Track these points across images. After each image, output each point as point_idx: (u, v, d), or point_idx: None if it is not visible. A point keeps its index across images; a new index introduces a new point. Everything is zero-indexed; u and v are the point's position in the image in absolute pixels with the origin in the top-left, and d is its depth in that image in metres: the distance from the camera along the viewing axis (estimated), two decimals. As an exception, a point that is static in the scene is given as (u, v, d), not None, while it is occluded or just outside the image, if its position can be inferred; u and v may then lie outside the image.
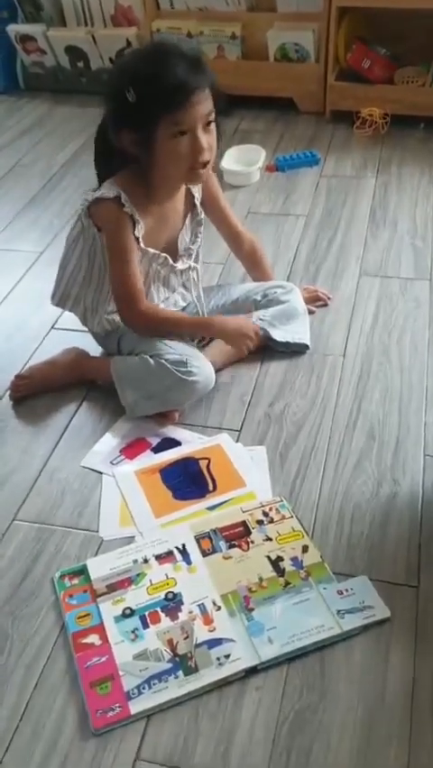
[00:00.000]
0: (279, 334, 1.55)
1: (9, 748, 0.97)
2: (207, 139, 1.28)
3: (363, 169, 2.27)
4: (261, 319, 1.54)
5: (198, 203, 1.47)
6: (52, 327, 1.71)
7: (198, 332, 1.49)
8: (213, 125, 1.28)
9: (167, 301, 1.51)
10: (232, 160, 2.27)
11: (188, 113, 1.23)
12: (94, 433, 1.43)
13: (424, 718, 0.98)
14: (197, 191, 1.47)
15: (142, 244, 1.36)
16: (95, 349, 1.57)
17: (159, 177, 1.33)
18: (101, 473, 1.35)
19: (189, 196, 1.46)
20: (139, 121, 1.24)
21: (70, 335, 1.64)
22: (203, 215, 1.49)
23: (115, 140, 1.29)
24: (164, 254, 1.41)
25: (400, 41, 2.42)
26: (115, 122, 1.28)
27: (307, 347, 1.58)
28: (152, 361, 1.38)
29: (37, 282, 1.86)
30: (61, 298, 1.50)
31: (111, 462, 1.36)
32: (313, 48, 2.47)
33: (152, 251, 1.39)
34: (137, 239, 1.35)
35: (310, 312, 1.66)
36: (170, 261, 1.43)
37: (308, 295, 1.69)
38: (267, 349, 1.58)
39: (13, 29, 2.79)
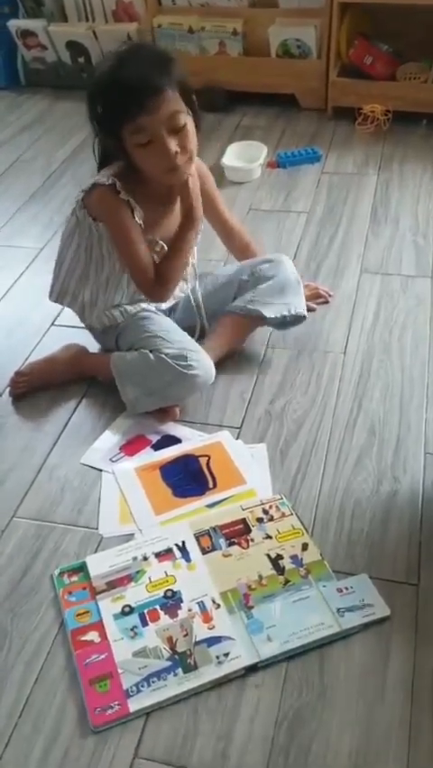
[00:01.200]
0: (271, 310, 1.50)
1: (8, 745, 0.97)
2: (178, 141, 1.25)
3: (364, 166, 2.26)
4: (250, 302, 1.50)
5: None
6: (52, 324, 1.70)
7: (190, 238, 1.39)
8: (187, 126, 1.25)
9: None
10: (233, 156, 2.26)
11: (145, 118, 1.21)
12: (94, 430, 1.42)
13: (423, 717, 0.98)
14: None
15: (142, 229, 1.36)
16: (94, 345, 1.57)
17: (146, 175, 1.34)
18: (101, 470, 1.34)
19: None
20: (109, 130, 1.26)
21: (70, 332, 1.64)
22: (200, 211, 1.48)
23: (102, 145, 1.32)
24: (162, 242, 1.40)
25: (402, 38, 2.41)
26: (94, 131, 1.30)
27: (303, 317, 1.54)
28: (151, 356, 1.37)
29: (37, 279, 1.85)
30: (59, 295, 1.50)
31: (111, 460, 1.36)
32: (315, 44, 2.46)
33: (150, 237, 1.38)
34: (138, 224, 1.35)
35: (311, 309, 1.65)
36: (166, 249, 1.42)
37: (309, 292, 1.68)
38: (267, 345, 1.57)
39: (14, 24, 2.78)
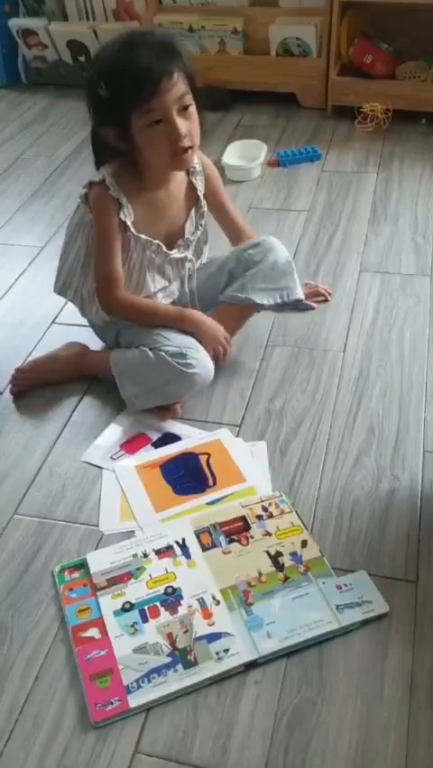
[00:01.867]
0: (263, 297, 1.47)
1: (9, 740, 0.98)
2: (186, 124, 1.27)
3: (364, 165, 2.26)
4: (240, 290, 1.47)
5: (201, 195, 1.47)
6: (53, 321, 1.71)
7: (171, 324, 1.43)
8: (192, 109, 1.27)
9: (164, 291, 1.50)
10: (233, 155, 2.26)
11: (158, 100, 1.22)
12: (94, 427, 1.43)
13: (422, 713, 0.99)
14: (199, 184, 1.47)
15: (132, 230, 1.36)
16: (95, 343, 1.58)
17: (146, 167, 1.34)
18: (101, 468, 1.35)
19: (192, 188, 1.46)
20: (115, 115, 1.25)
21: (71, 330, 1.64)
22: (205, 208, 1.49)
23: (101, 136, 1.31)
24: (157, 241, 1.40)
25: (402, 37, 2.41)
26: (96, 119, 1.30)
27: (299, 300, 1.52)
28: (151, 353, 1.38)
29: (38, 277, 1.86)
30: (62, 287, 1.51)
31: (111, 457, 1.36)
32: (315, 43, 2.46)
33: (144, 237, 1.38)
34: (124, 224, 1.35)
35: (310, 308, 1.66)
36: (164, 249, 1.42)
37: (308, 290, 1.69)
38: (267, 343, 1.58)
39: (15, 23, 2.79)
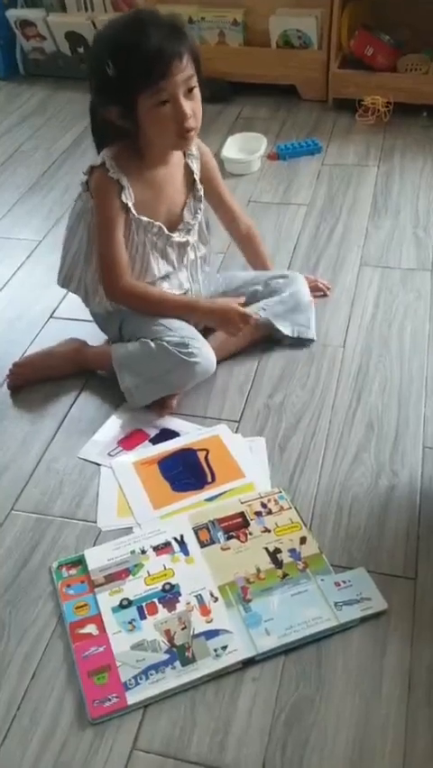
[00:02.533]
0: (283, 326, 1.53)
1: (7, 736, 0.98)
2: (191, 105, 1.27)
3: (365, 158, 2.25)
4: (263, 309, 1.53)
5: (197, 178, 1.46)
6: (51, 316, 1.70)
7: (181, 313, 1.44)
8: (196, 91, 1.28)
9: (170, 281, 1.49)
10: (233, 148, 2.25)
11: (167, 81, 1.22)
12: (92, 423, 1.42)
13: (420, 710, 0.98)
14: (195, 167, 1.46)
15: (133, 211, 1.36)
16: (93, 338, 1.57)
17: (148, 146, 1.34)
18: (99, 465, 1.34)
19: (189, 171, 1.46)
20: (121, 94, 1.25)
21: (69, 324, 1.64)
22: (202, 192, 1.48)
23: (103, 115, 1.31)
24: (158, 223, 1.40)
25: (403, 29, 2.39)
26: (100, 97, 1.30)
27: (312, 341, 1.57)
28: (152, 344, 1.37)
29: (36, 270, 1.85)
30: (65, 279, 1.50)
31: (109, 454, 1.36)
32: (316, 34, 2.44)
33: (145, 219, 1.38)
34: (125, 205, 1.35)
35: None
36: (165, 231, 1.41)
37: (308, 285, 1.68)
38: (267, 339, 1.57)
39: (13, 14, 2.76)
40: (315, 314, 1.60)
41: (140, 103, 1.25)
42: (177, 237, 1.44)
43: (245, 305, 1.52)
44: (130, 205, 1.35)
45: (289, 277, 1.59)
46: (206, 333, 1.51)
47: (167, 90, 1.23)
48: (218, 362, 1.46)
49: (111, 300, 1.44)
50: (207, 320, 1.46)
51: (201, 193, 1.48)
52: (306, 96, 2.57)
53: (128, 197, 1.35)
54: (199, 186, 1.47)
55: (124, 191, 1.34)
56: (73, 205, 1.45)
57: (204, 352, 1.39)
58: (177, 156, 1.43)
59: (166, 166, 1.40)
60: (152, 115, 1.26)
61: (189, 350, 1.36)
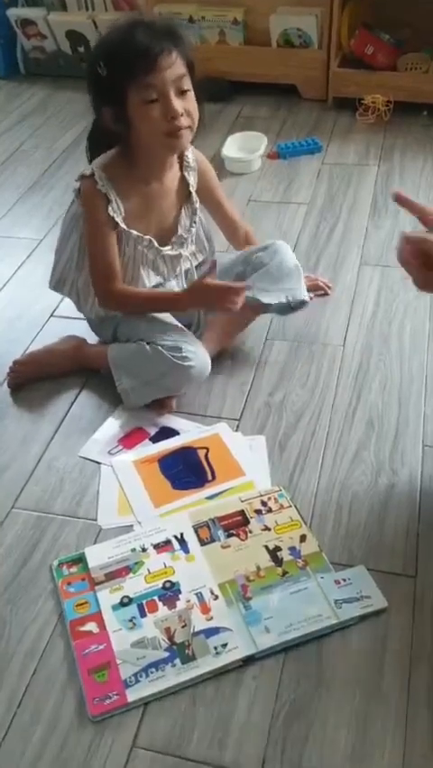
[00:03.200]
0: (269, 297, 1.46)
1: (7, 734, 0.98)
2: (183, 104, 1.26)
3: (365, 157, 2.25)
4: (248, 287, 1.44)
5: (193, 191, 1.46)
6: (52, 315, 1.70)
7: (171, 307, 1.42)
8: (190, 94, 1.27)
9: (163, 288, 1.49)
10: (233, 147, 2.25)
11: (155, 76, 1.22)
12: (93, 421, 1.43)
13: (420, 708, 0.99)
14: (192, 179, 1.45)
15: (122, 225, 1.35)
16: (93, 337, 1.57)
17: (140, 151, 1.33)
18: (99, 464, 1.34)
19: (184, 183, 1.45)
20: (112, 93, 1.25)
21: (70, 323, 1.64)
22: (198, 204, 1.48)
23: (99, 120, 1.31)
24: (148, 237, 1.39)
25: (403, 27, 2.39)
26: (95, 101, 1.30)
27: (305, 302, 1.50)
28: (148, 347, 1.37)
29: (37, 270, 1.85)
30: (57, 283, 1.50)
31: (109, 452, 1.36)
32: (316, 34, 2.44)
33: (134, 233, 1.37)
34: (112, 219, 1.34)
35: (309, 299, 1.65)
36: (155, 244, 1.41)
37: (308, 283, 1.68)
38: (267, 338, 1.57)
39: (14, 13, 2.77)
40: (313, 313, 1.60)
41: (129, 99, 1.24)
42: (168, 251, 1.43)
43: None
44: (118, 219, 1.34)
45: (269, 247, 1.52)
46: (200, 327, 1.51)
47: (156, 87, 1.23)
48: (219, 353, 1.46)
49: (103, 307, 1.44)
50: (197, 306, 1.42)
51: (197, 206, 1.47)
52: (306, 95, 2.57)
53: (115, 211, 1.34)
54: (195, 198, 1.46)
55: (111, 204, 1.33)
56: (67, 210, 1.45)
57: (198, 355, 1.38)
58: (173, 168, 1.41)
59: (160, 182, 1.39)
60: (141, 113, 1.25)
61: (183, 354, 1.36)
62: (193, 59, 1.27)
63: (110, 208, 1.33)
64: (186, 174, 1.44)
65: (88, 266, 1.40)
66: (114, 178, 1.33)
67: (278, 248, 1.52)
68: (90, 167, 1.35)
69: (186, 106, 1.26)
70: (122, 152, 1.34)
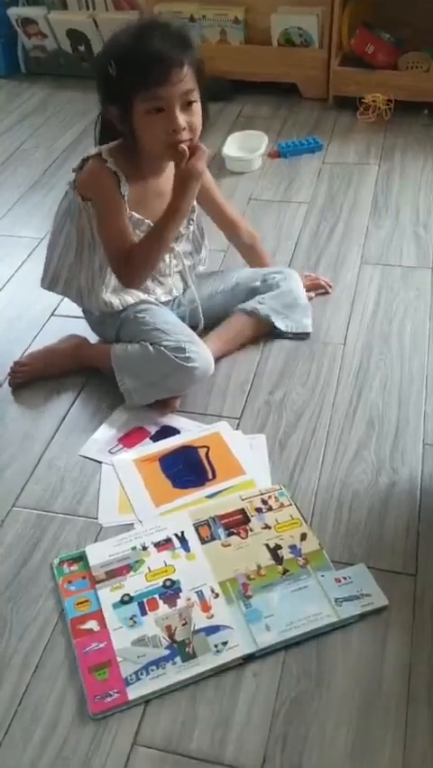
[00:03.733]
0: (281, 322, 1.55)
1: (8, 732, 0.98)
2: (187, 118, 1.26)
3: (365, 156, 2.25)
4: (260, 303, 1.53)
5: None
6: (52, 314, 1.70)
7: (174, 223, 1.35)
8: (196, 106, 1.27)
9: (163, 286, 1.50)
10: (234, 146, 2.25)
11: (163, 89, 1.22)
12: (93, 420, 1.43)
13: (420, 705, 0.99)
14: None
15: (126, 206, 1.35)
16: (94, 336, 1.57)
17: (143, 152, 1.33)
18: (100, 463, 1.35)
19: None
20: (119, 95, 1.25)
21: (70, 322, 1.64)
22: (195, 203, 1.47)
23: (104, 114, 1.32)
24: (148, 221, 1.39)
25: (404, 27, 2.39)
26: (102, 97, 1.30)
27: (308, 335, 1.58)
28: (151, 348, 1.38)
29: (37, 269, 1.81)
30: (51, 282, 1.49)
31: (109, 452, 1.36)
32: (317, 33, 2.44)
33: (136, 215, 1.37)
34: (123, 196, 1.34)
35: (310, 299, 1.66)
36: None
37: (309, 282, 1.69)
38: (267, 336, 1.57)
39: (14, 12, 2.77)
40: (315, 311, 1.61)
41: (135, 106, 1.25)
42: None
43: (243, 300, 1.55)
44: (126, 197, 1.34)
45: (284, 273, 1.60)
46: (205, 332, 1.51)
47: (163, 98, 1.23)
48: (220, 359, 1.47)
49: (129, 285, 1.41)
50: (186, 194, 1.33)
51: (193, 203, 1.47)
52: (307, 95, 2.57)
53: (125, 190, 1.34)
54: None
55: (121, 184, 1.33)
56: (58, 206, 1.44)
57: (202, 355, 1.39)
58: (170, 168, 1.41)
59: (157, 179, 1.39)
60: (144, 121, 1.26)
61: (187, 354, 1.36)
62: (202, 67, 1.27)
63: (121, 187, 1.34)
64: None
65: (106, 248, 1.37)
66: (119, 163, 1.34)
67: (290, 275, 1.60)
68: (95, 149, 1.34)
69: (189, 120, 1.26)
70: (126, 144, 1.34)
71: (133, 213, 1.37)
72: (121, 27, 1.28)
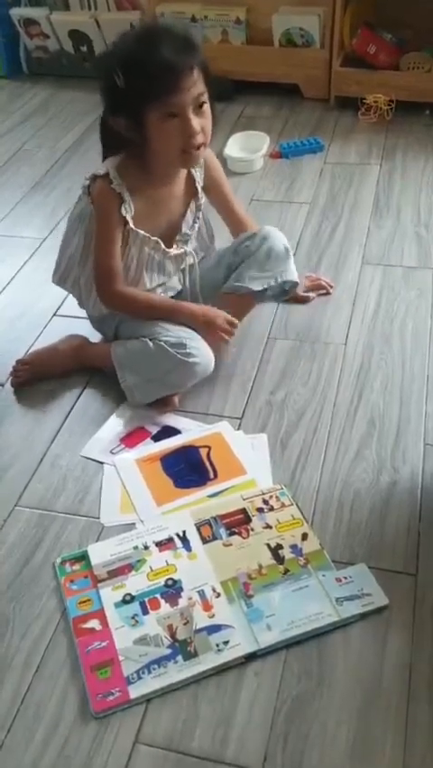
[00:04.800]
0: (259, 283, 1.45)
1: (10, 731, 0.99)
2: (200, 121, 1.27)
3: (367, 157, 2.25)
4: (237, 279, 1.46)
5: (199, 187, 1.46)
6: (55, 314, 1.71)
7: (169, 316, 1.42)
8: (206, 107, 1.27)
9: (163, 286, 1.50)
10: (236, 146, 2.25)
11: (176, 96, 1.22)
12: (95, 420, 1.43)
13: (420, 704, 0.99)
14: (198, 176, 1.46)
15: (131, 224, 1.36)
16: (96, 335, 1.57)
17: (154, 160, 1.34)
18: (101, 463, 1.35)
19: (191, 180, 1.45)
20: (129, 105, 1.25)
21: (73, 322, 1.64)
22: (203, 200, 1.48)
23: (112, 125, 1.31)
24: (155, 238, 1.40)
25: (405, 27, 2.40)
26: (109, 107, 1.29)
27: (295, 284, 1.51)
28: (151, 344, 1.38)
29: (40, 269, 1.86)
30: (61, 278, 1.51)
31: (111, 452, 1.37)
32: (318, 33, 2.45)
33: (141, 233, 1.38)
34: (124, 218, 1.35)
35: (307, 300, 1.66)
36: (162, 246, 1.42)
37: (310, 283, 1.69)
38: (269, 336, 1.57)
39: (17, 13, 2.77)
40: (315, 312, 1.61)
41: (148, 115, 1.24)
42: (174, 250, 1.44)
43: (225, 279, 1.49)
44: (129, 218, 1.35)
45: (257, 234, 1.49)
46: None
47: (175, 105, 1.23)
48: (231, 341, 1.45)
49: (103, 304, 1.45)
50: (191, 323, 1.42)
51: (201, 202, 1.48)
52: (308, 95, 2.57)
53: (128, 211, 1.35)
54: (201, 195, 1.47)
55: (124, 204, 1.34)
56: (73, 207, 1.46)
57: (202, 351, 1.39)
58: (182, 171, 1.42)
59: (164, 187, 1.40)
60: (159, 129, 1.26)
61: (187, 350, 1.36)
62: (208, 68, 1.27)
63: (123, 208, 1.34)
64: (192, 171, 1.45)
65: (93, 266, 1.41)
66: (127, 177, 1.34)
67: (266, 233, 1.49)
68: (104, 166, 1.35)
69: (202, 123, 1.27)
70: (134, 154, 1.34)
71: (140, 230, 1.38)
72: (122, 34, 1.27)
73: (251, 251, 1.48)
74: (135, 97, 1.23)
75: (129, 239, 1.38)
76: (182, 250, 1.46)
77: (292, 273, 1.50)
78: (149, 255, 1.42)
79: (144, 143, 1.29)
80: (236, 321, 1.42)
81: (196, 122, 1.26)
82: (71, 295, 1.55)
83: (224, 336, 1.41)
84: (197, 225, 1.48)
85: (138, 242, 1.39)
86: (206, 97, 1.26)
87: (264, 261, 1.47)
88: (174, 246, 1.45)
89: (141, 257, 1.41)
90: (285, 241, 1.51)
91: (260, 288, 1.46)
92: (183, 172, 1.43)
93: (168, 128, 1.25)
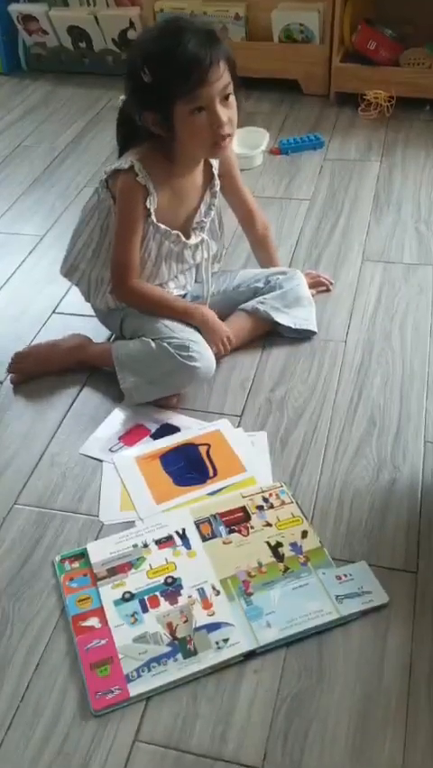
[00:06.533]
0: (283, 318, 1.54)
1: (10, 728, 0.98)
2: (227, 112, 1.28)
3: (367, 153, 2.25)
4: (261, 303, 1.53)
5: (215, 173, 1.47)
6: (54, 311, 1.70)
7: (181, 317, 1.44)
8: (232, 98, 1.28)
9: (176, 280, 1.50)
10: (235, 142, 2.22)
11: (204, 90, 1.23)
12: (95, 418, 1.43)
13: (420, 702, 0.99)
14: (215, 161, 1.46)
15: (153, 218, 1.37)
16: (97, 334, 1.57)
17: (182, 153, 1.34)
18: (100, 461, 1.35)
19: (208, 166, 1.46)
20: (157, 101, 1.25)
21: (72, 320, 1.64)
22: (218, 187, 1.49)
23: (138, 120, 1.31)
24: (176, 231, 1.41)
25: (406, 23, 2.39)
26: (136, 103, 1.30)
27: (313, 333, 1.57)
28: (153, 344, 1.38)
29: (39, 266, 1.85)
30: (69, 270, 1.51)
31: (110, 450, 1.36)
32: (318, 29, 2.44)
33: (163, 227, 1.39)
34: (148, 211, 1.35)
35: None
36: (183, 239, 1.43)
37: (310, 280, 1.69)
38: (269, 334, 1.57)
39: (15, 9, 2.76)
40: (316, 308, 1.61)
41: (176, 110, 1.25)
42: (192, 240, 1.45)
43: (245, 300, 1.55)
44: (152, 210, 1.36)
45: (288, 273, 1.59)
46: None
47: (203, 99, 1.24)
48: (221, 358, 1.47)
49: (116, 297, 1.45)
50: (201, 327, 1.45)
51: (217, 188, 1.48)
52: (308, 91, 2.57)
53: (152, 203, 1.36)
54: (216, 180, 1.48)
55: (150, 197, 1.35)
56: (88, 199, 1.46)
57: (204, 355, 1.39)
58: (195, 168, 1.43)
59: (186, 177, 1.41)
60: (187, 123, 1.26)
61: (190, 353, 1.36)
62: (234, 60, 1.28)
63: (148, 200, 1.35)
64: (212, 159, 1.45)
65: (111, 256, 1.41)
66: (151, 169, 1.34)
67: (294, 275, 1.58)
68: (128, 159, 1.34)
69: (229, 114, 1.28)
70: (157, 146, 1.34)
71: (161, 224, 1.38)
72: (144, 30, 1.28)
73: (281, 286, 1.55)
74: (163, 93, 1.23)
75: (149, 233, 1.38)
76: (200, 238, 1.47)
77: (314, 324, 1.57)
78: (169, 248, 1.42)
79: (173, 138, 1.30)
80: (235, 343, 1.49)
81: (224, 113, 1.26)
82: (77, 288, 1.54)
83: (220, 349, 1.46)
84: (212, 212, 1.48)
85: (158, 237, 1.40)
86: (231, 88, 1.27)
87: (291, 302, 1.55)
88: (192, 236, 1.45)
89: (160, 251, 1.42)
90: (308, 291, 1.60)
91: (283, 323, 1.53)
92: (202, 161, 1.43)
93: (196, 121, 1.26)
